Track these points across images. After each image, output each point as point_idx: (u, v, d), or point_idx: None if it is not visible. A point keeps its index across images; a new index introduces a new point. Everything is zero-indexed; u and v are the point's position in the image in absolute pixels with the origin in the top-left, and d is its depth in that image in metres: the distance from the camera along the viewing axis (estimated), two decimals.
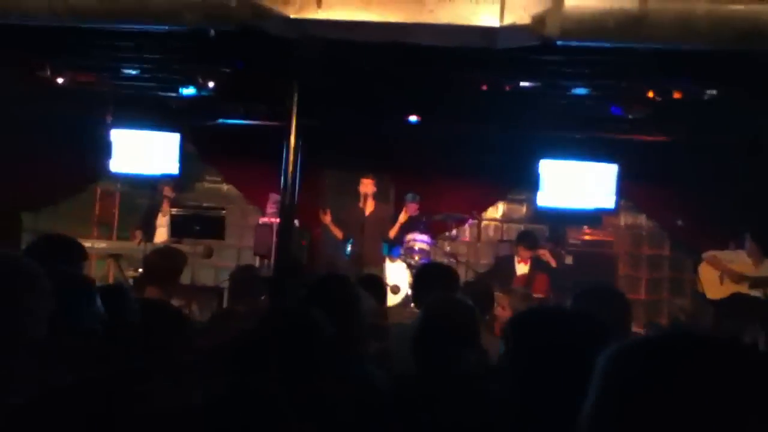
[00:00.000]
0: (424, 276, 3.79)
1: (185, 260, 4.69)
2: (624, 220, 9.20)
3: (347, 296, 2.56)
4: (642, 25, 4.41)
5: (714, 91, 6.58)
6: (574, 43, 4.93)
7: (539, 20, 4.61)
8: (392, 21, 4.74)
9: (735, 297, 6.90)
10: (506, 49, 5.10)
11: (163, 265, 4.46)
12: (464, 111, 7.72)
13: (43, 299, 1.52)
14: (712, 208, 8.06)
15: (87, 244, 7.31)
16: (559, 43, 4.83)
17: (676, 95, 6.82)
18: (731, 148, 7.52)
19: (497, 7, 4.63)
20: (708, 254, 7.30)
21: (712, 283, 7.20)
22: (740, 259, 7.08)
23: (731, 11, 4.42)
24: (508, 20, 4.64)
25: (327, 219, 7.61)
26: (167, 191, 8.60)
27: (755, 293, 6.92)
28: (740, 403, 0.79)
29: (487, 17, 4.66)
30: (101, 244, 8.10)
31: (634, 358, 0.88)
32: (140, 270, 6.69)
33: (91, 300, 1.89)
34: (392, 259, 7.87)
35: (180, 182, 9.02)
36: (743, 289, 7.00)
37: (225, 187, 9.70)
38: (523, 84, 7.01)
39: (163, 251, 5.02)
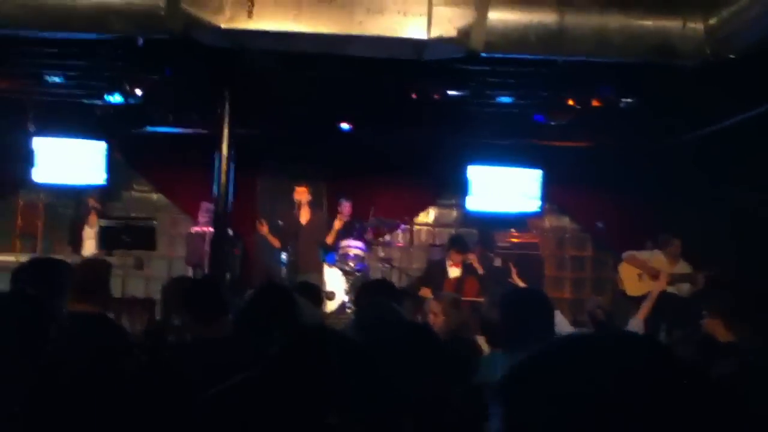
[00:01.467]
0: (368, 288, 3.90)
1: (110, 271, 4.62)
2: (549, 222, 9.55)
3: (287, 306, 2.62)
4: (561, 39, 4.65)
5: (630, 99, 6.93)
6: (498, 55, 5.14)
7: (464, 33, 4.80)
8: (323, 32, 4.83)
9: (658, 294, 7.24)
10: (434, 60, 5.27)
11: (91, 277, 4.37)
12: (395, 118, 7.87)
13: None
14: (631, 209, 8.49)
15: (9, 258, 7.11)
16: (483, 54, 5.03)
17: (595, 103, 7.15)
18: (648, 152, 7.94)
19: (424, 20, 4.79)
20: (627, 254, 7.65)
21: (632, 281, 7.55)
22: (656, 258, 7.46)
23: (642, 26, 4.71)
24: (435, 33, 4.80)
25: (264, 229, 7.60)
26: (93, 202, 8.40)
27: (671, 290, 7.29)
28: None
29: (415, 29, 4.81)
30: (24, 258, 7.84)
31: (535, 376, 0.84)
32: None
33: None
34: (328, 266, 7.94)
35: (107, 192, 8.83)
36: (662, 286, 7.36)
37: (154, 196, 9.54)
38: (450, 92, 7.21)
39: (89, 263, 4.92)
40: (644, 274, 7.49)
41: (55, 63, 7.07)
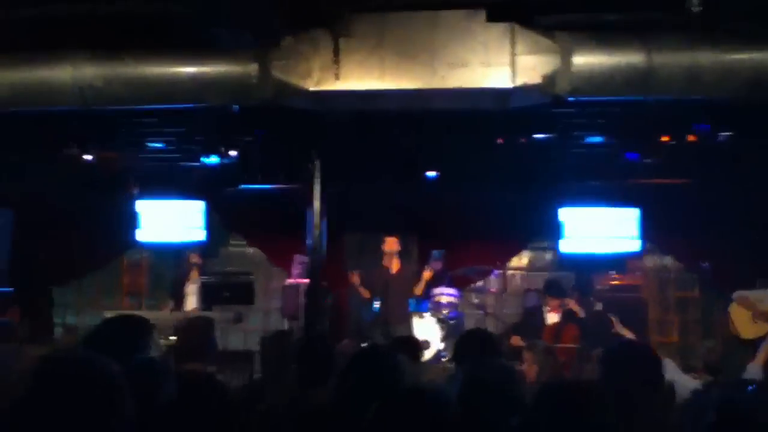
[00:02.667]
0: (466, 341, 3.84)
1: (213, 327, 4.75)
2: (651, 263, 9.16)
3: (389, 372, 2.59)
4: (649, 80, 4.53)
5: (728, 133, 6.64)
6: (584, 99, 5.06)
7: (550, 80, 4.76)
8: (406, 88, 4.91)
9: None
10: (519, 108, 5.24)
11: (198, 335, 4.51)
12: (481, 165, 7.84)
13: (127, 402, 1.56)
14: (737, 247, 8.03)
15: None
16: (570, 99, 4.96)
17: (691, 138, 6.89)
18: (748, 188, 7.54)
19: (508, 69, 4.78)
20: (738, 294, 7.25)
21: (744, 323, 7.13)
22: None
23: (734, 60, 4.53)
24: (519, 81, 4.79)
25: (356, 280, 7.67)
26: (194, 258, 8.71)
27: None
28: None
29: (499, 79, 4.82)
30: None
31: None
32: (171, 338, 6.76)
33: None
34: (420, 315, 7.90)
35: (206, 249, 9.17)
36: None
37: (250, 250, 9.83)
38: (537, 136, 7.13)
39: (193, 322, 5.07)
40: (757, 316, 7.07)
41: (155, 131, 7.50)
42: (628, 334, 6.89)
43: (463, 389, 2.51)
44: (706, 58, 4.46)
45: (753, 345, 6.75)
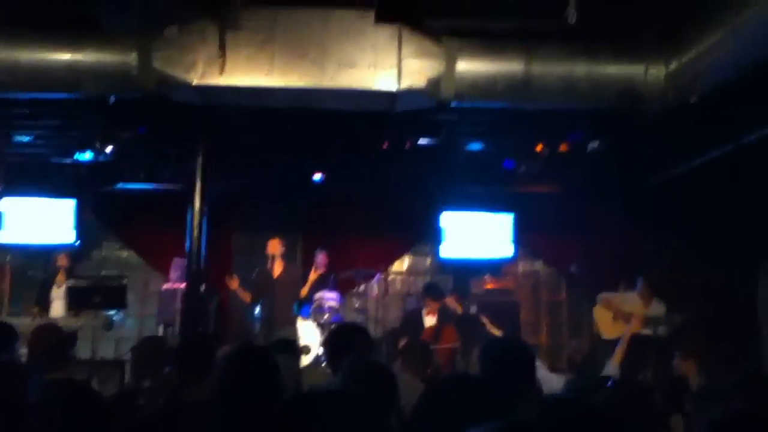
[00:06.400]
0: (339, 339, 3.79)
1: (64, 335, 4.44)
2: (523, 267, 9.59)
3: (268, 370, 2.56)
4: (528, 88, 4.77)
5: (597, 143, 7.08)
6: (468, 105, 5.24)
7: (434, 84, 4.90)
8: (296, 86, 4.89)
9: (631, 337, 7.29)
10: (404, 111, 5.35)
11: (50, 342, 4.19)
12: (367, 168, 7.93)
13: None
14: (603, 251, 8.59)
15: None
16: (453, 104, 5.13)
17: (563, 148, 7.29)
18: (616, 196, 8.09)
19: (395, 72, 4.88)
20: (602, 296, 7.70)
21: (607, 324, 7.58)
22: (631, 300, 7.52)
23: (607, 73, 4.86)
24: (405, 84, 4.90)
25: (234, 284, 7.50)
26: (62, 261, 8.22)
27: (646, 331, 7.34)
28: None
29: (386, 82, 4.91)
30: None
31: None
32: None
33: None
34: (303, 319, 7.84)
35: (76, 251, 8.68)
36: (635, 328, 7.41)
37: (124, 253, 9.40)
38: (421, 141, 7.30)
39: (44, 328, 4.70)
40: (618, 317, 7.53)
41: (25, 123, 7.02)
42: (499, 334, 7.20)
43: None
44: (581, 69, 4.75)
45: (614, 345, 7.23)
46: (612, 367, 6.63)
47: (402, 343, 7.00)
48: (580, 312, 9.24)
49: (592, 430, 1.73)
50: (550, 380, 5.07)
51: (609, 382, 3.37)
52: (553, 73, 4.75)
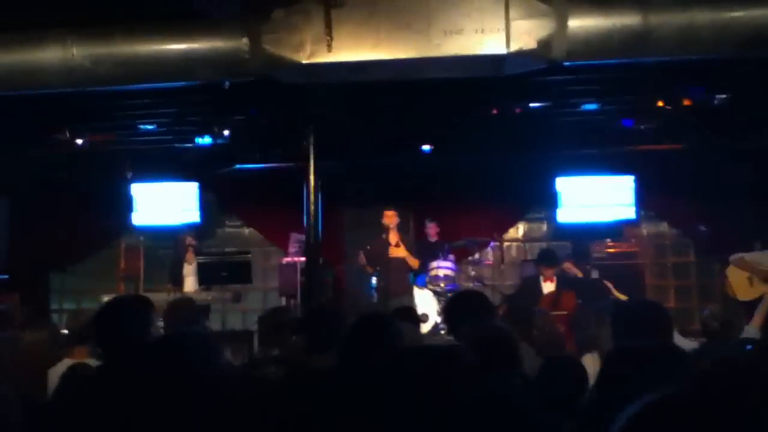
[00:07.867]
0: (457, 305, 3.79)
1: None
2: (646, 230, 9.18)
3: (389, 334, 2.60)
4: (646, 41, 4.49)
5: (723, 96, 6.61)
6: (581, 63, 5.01)
7: (545, 44, 4.71)
8: (401, 57, 4.85)
9: None
10: (514, 74, 5.19)
11: (186, 314, 4.43)
12: (477, 135, 7.80)
13: None
14: (734, 211, 8.05)
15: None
16: (566, 64, 4.92)
17: (686, 103, 6.86)
18: (743, 151, 7.53)
19: (503, 35, 4.72)
20: (735, 257, 7.26)
21: (742, 285, 7.15)
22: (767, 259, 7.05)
23: (732, 18, 4.49)
24: (514, 47, 4.73)
25: (362, 260, 7.61)
26: (190, 240, 8.68)
27: None
28: None
29: (494, 46, 4.76)
30: None
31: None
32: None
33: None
34: (419, 288, 7.90)
35: (202, 230, 9.13)
36: None
37: (246, 230, 9.81)
38: (533, 105, 7.09)
39: (180, 302, 4.91)
40: (755, 277, 7.09)
41: (148, 113, 7.42)
42: (624, 299, 6.92)
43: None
44: (702, 16, 4.42)
45: (750, 307, 6.80)
46: (751, 332, 6.25)
47: (501, 309, 6.94)
48: (711, 274, 8.75)
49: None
50: (683, 345, 4.84)
51: (749, 346, 3.17)
52: (672, 22, 4.44)
